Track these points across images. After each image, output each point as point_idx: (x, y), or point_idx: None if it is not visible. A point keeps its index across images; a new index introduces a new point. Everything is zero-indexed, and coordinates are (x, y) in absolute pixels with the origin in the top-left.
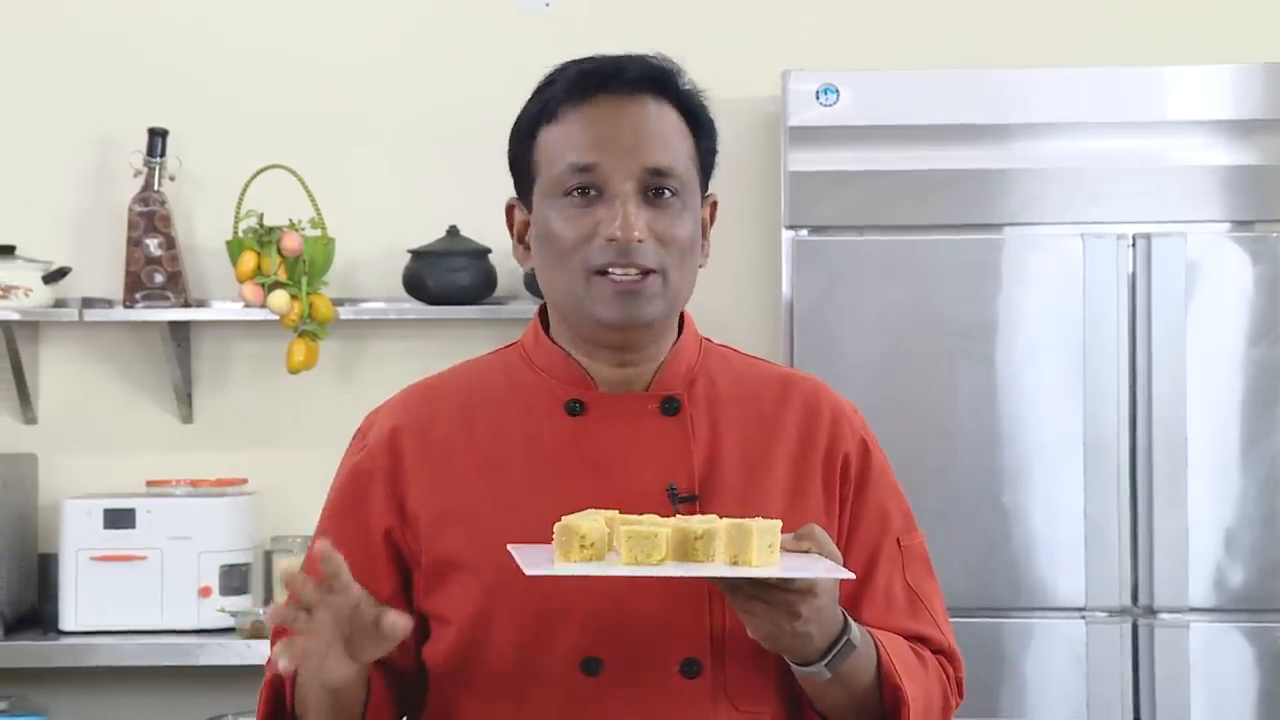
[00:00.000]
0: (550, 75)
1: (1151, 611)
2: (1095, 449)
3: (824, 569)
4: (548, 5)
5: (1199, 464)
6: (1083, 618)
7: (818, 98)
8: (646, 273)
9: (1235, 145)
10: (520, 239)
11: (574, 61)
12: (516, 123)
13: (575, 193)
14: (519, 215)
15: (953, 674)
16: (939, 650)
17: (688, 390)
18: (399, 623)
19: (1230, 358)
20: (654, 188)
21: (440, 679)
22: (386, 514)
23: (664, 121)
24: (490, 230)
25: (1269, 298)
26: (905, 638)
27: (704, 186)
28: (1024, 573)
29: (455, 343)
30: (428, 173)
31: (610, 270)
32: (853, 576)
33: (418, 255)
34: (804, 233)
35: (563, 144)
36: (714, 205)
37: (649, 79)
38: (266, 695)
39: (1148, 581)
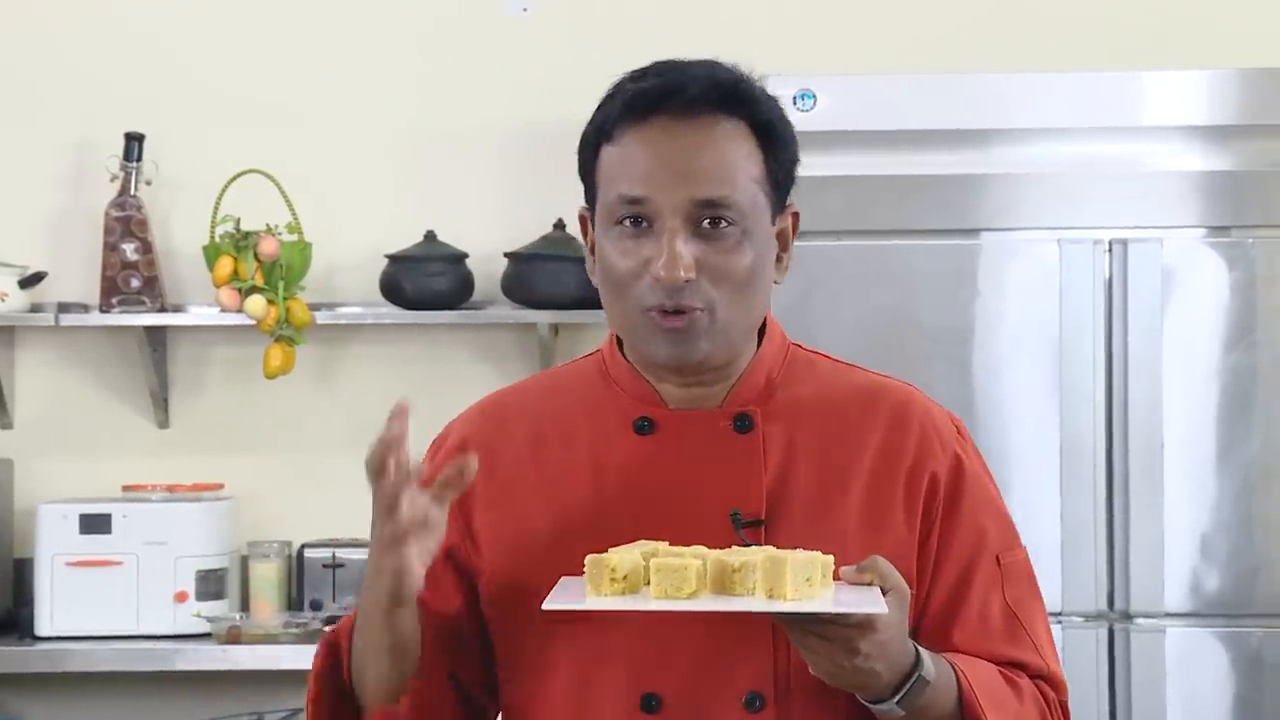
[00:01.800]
0: (616, 84)
1: (1128, 616)
2: (1071, 454)
3: (869, 604)
4: (525, 10)
5: (1175, 469)
6: (1059, 623)
7: (795, 103)
8: (693, 310)
9: (1211, 151)
10: (591, 250)
11: (639, 72)
12: (584, 133)
13: (627, 223)
14: (590, 227)
15: (1055, 699)
16: (1038, 675)
17: (765, 403)
18: (436, 507)
19: (1206, 363)
20: (707, 219)
21: (506, 702)
22: (452, 532)
23: (724, 144)
24: (467, 235)
25: (1245, 303)
26: (1002, 664)
27: (781, 199)
28: None
29: (433, 347)
30: (405, 177)
31: (659, 311)
32: (884, 610)
33: (395, 260)
34: None
35: (617, 169)
36: (795, 216)
37: (713, 95)
38: (323, 653)
39: (1124, 586)
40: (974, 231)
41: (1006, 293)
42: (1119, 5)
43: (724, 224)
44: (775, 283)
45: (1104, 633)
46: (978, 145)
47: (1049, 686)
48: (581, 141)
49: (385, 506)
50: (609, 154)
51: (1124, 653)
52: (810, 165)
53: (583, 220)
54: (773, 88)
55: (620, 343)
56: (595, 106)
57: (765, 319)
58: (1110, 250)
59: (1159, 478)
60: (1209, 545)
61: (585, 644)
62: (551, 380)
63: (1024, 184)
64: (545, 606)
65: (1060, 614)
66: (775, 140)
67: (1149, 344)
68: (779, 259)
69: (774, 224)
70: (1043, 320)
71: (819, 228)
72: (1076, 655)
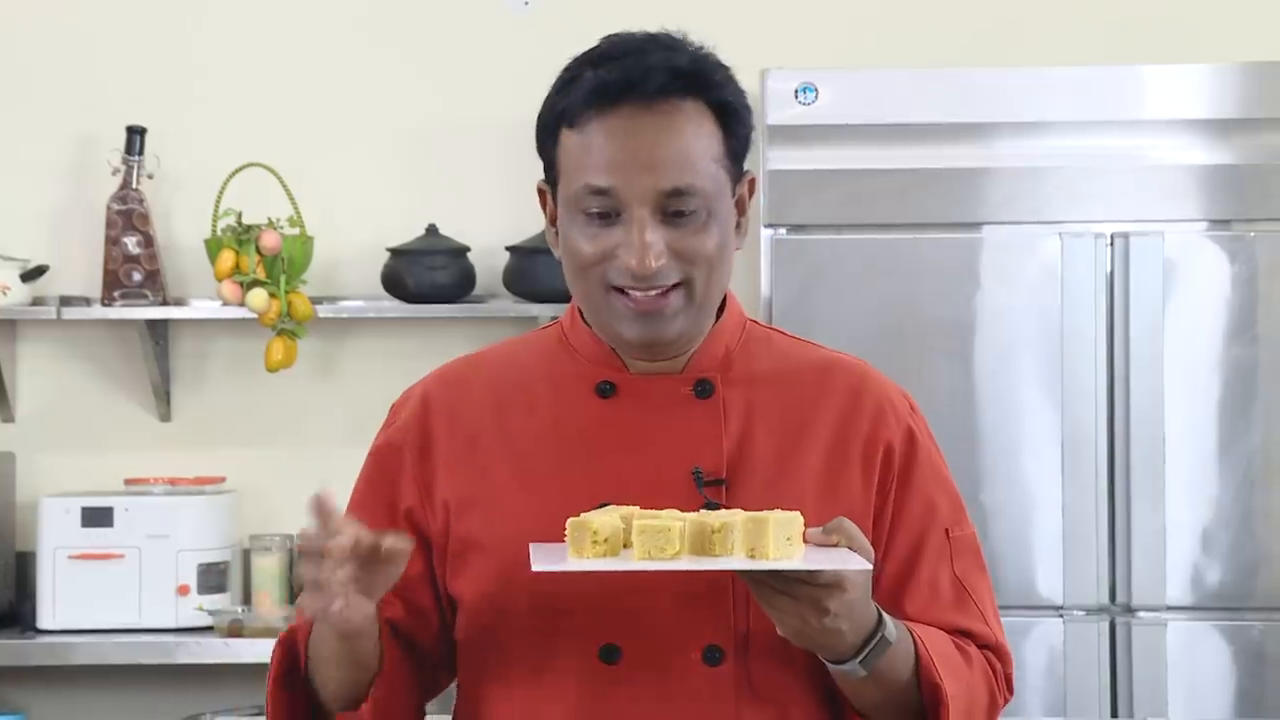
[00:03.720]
0: (573, 68)
1: (1129, 610)
2: (1073, 448)
3: (851, 562)
4: (527, 4)
5: (1176, 463)
6: (1061, 616)
7: (796, 96)
8: (669, 288)
9: (1213, 145)
10: (552, 221)
11: (597, 55)
12: (540, 113)
13: (594, 212)
14: (549, 202)
15: (1001, 670)
16: (986, 645)
17: (724, 372)
18: (398, 543)
19: (1208, 356)
20: (675, 208)
21: (464, 661)
22: (411, 494)
23: (688, 129)
24: (469, 229)
25: (1246, 297)
26: (950, 632)
27: (739, 169)
28: (1002, 571)
29: (434, 341)
30: (407, 171)
31: (630, 290)
32: (867, 568)
33: (396, 254)
34: (783, 231)
35: (582, 158)
36: (752, 182)
37: (674, 81)
38: (279, 655)
39: (1125, 580)
40: (976, 225)
41: (1008, 286)
42: (1121, 0)
43: (690, 210)
44: (736, 249)
45: (1106, 626)
46: (980, 139)
47: (996, 658)
48: (539, 122)
49: (310, 582)
50: (571, 140)
51: (1125, 646)
52: (812, 159)
53: (541, 194)
54: (774, 82)
55: (581, 313)
56: (553, 84)
57: (725, 293)
58: (1112, 244)
59: (1160, 471)
60: (1210, 539)
61: (545, 600)
62: (511, 349)
63: (1026, 178)
64: (534, 569)
65: (1062, 607)
66: (732, 116)
67: (1150, 337)
68: (738, 225)
69: (734, 195)
70: (1044, 313)
71: (821, 221)
72: (1078, 648)
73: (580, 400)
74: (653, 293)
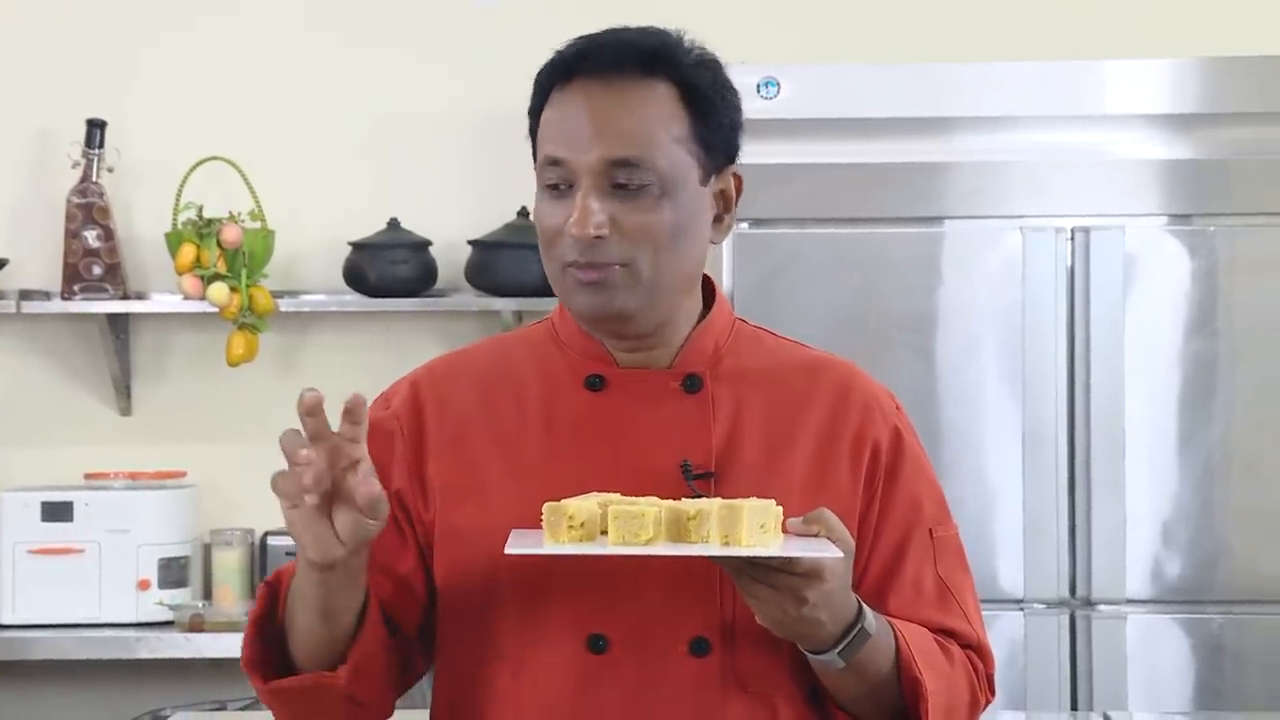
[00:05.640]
0: (552, 53)
1: (1089, 603)
2: (1034, 441)
3: (824, 550)
4: None
5: (1137, 456)
6: (1021, 609)
7: (758, 91)
8: (607, 265)
9: (1173, 139)
10: None
11: (576, 38)
12: (530, 99)
13: (552, 184)
14: None
15: (983, 670)
16: (968, 645)
17: (713, 368)
18: (379, 503)
19: (1168, 351)
20: (622, 179)
21: (448, 651)
22: (401, 476)
23: (640, 106)
24: (431, 223)
25: (1206, 291)
26: (933, 631)
27: (714, 163)
28: None
29: (396, 335)
30: (368, 165)
31: (576, 266)
32: (839, 555)
33: (358, 247)
34: (745, 225)
35: (544, 131)
36: (738, 178)
37: (631, 56)
38: (261, 595)
39: (1085, 573)
40: (937, 219)
41: (970, 280)
42: None
43: (639, 183)
44: (713, 242)
45: (1066, 619)
46: (941, 133)
47: (978, 657)
48: (530, 109)
49: (295, 475)
50: (544, 117)
51: (1085, 639)
52: (774, 153)
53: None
54: (736, 76)
55: None
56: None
57: (715, 291)
58: (1073, 238)
59: (1120, 465)
60: (1170, 532)
61: (532, 589)
62: (501, 343)
63: (987, 172)
64: (507, 551)
65: (1023, 600)
66: (703, 102)
67: (1111, 331)
68: (720, 219)
69: (709, 184)
70: (1005, 307)
71: (783, 215)
72: (1039, 641)
73: (569, 393)
74: (594, 269)
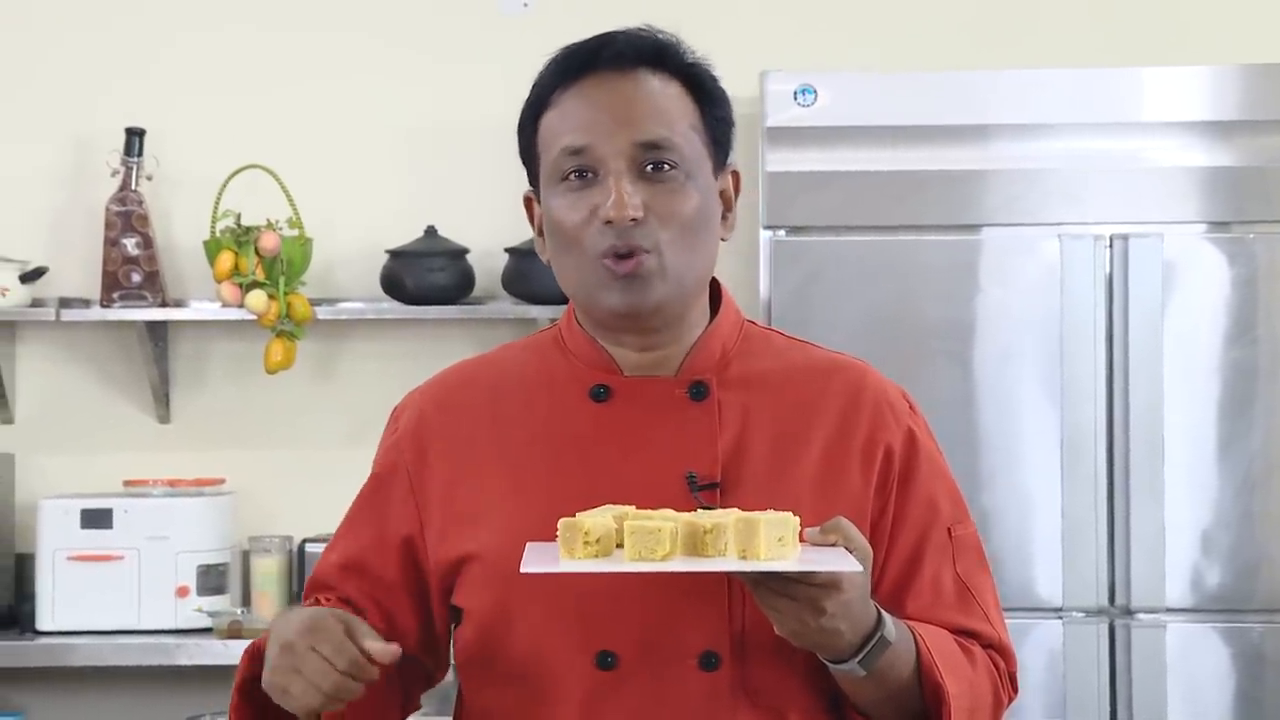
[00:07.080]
0: (546, 63)
1: (1128, 612)
2: (1073, 449)
3: (842, 563)
4: (526, 5)
5: (1176, 464)
6: (1060, 618)
7: (796, 98)
8: (641, 251)
9: (1212, 146)
10: (539, 231)
11: (564, 47)
12: (520, 116)
13: (572, 176)
14: (536, 208)
15: (1005, 669)
16: (990, 644)
17: (721, 373)
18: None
19: (1207, 358)
20: (650, 163)
21: (465, 670)
22: (407, 520)
23: (659, 94)
24: (468, 230)
25: (1245, 298)
26: (953, 632)
27: (719, 157)
28: (1002, 573)
29: (433, 343)
30: (406, 173)
31: (609, 259)
32: (859, 568)
33: (395, 255)
34: (782, 233)
35: (557, 128)
36: (736, 176)
37: (641, 52)
38: (245, 663)
39: (1125, 582)
40: (975, 227)
41: (1008, 288)
42: (1120, 1)
43: (667, 167)
44: (722, 239)
45: (1105, 628)
46: (978, 141)
47: (1000, 656)
48: (519, 125)
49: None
50: (548, 119)
51: (1125, 648)
52: (811, 160)
53: (528, 203)
54: (774, 84)
55: (577, 316)
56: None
57: (721, 293)
58: (1111, 245)
59: (1160, 473)
60: (1210, 540)
61: (541, 604)
62: (507, 354)
63: (1025, 179)
64: (523, 569)
65: (1061, 609)
66: (707, 96)
67: (1150, 339)
68: (724, 217)
69: (716, 180)
70: (1044, 315)
71: (820, 223)
72: (1077, 650)
73: (575, 404)
74: (630, 260)
